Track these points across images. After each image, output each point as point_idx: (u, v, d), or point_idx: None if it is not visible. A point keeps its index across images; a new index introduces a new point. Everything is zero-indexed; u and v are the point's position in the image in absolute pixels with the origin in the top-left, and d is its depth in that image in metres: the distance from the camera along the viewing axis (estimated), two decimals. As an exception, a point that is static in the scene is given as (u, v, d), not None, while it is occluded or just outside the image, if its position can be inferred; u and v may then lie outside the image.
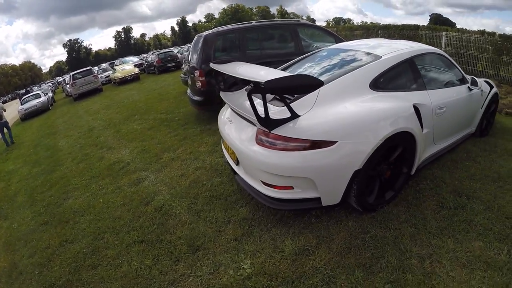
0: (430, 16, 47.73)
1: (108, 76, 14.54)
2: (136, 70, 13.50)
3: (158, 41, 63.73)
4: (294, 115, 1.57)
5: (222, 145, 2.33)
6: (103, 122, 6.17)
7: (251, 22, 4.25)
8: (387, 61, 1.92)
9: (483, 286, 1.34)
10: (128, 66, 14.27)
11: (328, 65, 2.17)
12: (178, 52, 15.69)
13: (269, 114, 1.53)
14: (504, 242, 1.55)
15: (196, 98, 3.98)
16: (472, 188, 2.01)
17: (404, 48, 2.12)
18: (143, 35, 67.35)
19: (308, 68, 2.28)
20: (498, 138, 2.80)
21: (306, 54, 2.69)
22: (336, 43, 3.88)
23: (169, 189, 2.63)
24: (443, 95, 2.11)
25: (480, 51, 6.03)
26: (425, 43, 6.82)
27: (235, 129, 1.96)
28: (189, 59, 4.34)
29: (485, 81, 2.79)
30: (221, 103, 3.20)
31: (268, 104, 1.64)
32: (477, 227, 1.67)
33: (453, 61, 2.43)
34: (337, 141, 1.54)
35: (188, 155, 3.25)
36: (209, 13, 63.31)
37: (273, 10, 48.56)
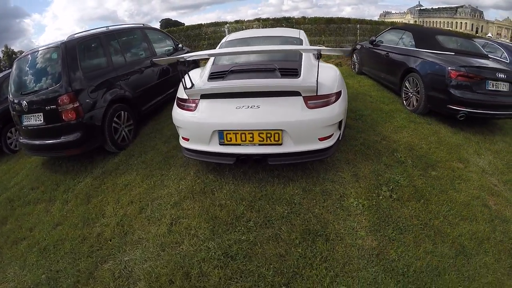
0: (160, 22, 45.73)
1: None
2: None
3: None
4: (317, 80, 2.01)
5: (225, 145, 2.05)
6: None
7: (108, 27, 3.41)
8: (304, 39, 2.91)
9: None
10: None
11: (282, 43, 2.72)
12: None
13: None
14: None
15: (64, 139, 2.50)
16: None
17: (294, 30, 3.22)
18: None
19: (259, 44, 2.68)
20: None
21: (230, 38, 2.95)
22: (174, 44, 4.48)
23: (190, 240, 1.75)
24: None
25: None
26: (210, 36, 9.15)
27: (272, 110, 1.94)
28: (18, 92, 2.73)
29: None
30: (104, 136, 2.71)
31: (278, 80, 2.01)
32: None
33: None
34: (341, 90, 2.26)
35: (134, 206, 2.14)
36: None
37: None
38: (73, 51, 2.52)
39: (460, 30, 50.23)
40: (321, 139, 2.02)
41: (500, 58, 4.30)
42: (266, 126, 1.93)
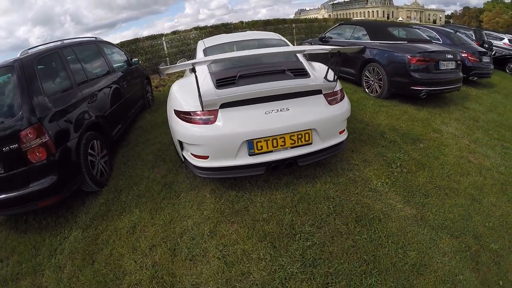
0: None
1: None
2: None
3: None
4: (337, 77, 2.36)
5: (258, 153, 2.13)
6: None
7: (62, 41, 3.07)
8: (286, 40, 3.32)
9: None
10: None
11: (267, 46, 3.00)
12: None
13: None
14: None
15: (34, 187, 2.10)
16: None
17: (269, 33, 3.66)
18: None
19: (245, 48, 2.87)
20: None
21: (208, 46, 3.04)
22: (127, 58, 4.52)
23: (257, 265, 1.80)
24: None
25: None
26: (147, 51, 9.43)
27: (301, 111, 2.15)
28: None
29: None
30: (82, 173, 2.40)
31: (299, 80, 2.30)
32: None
33: None
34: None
35: (161, 249, 1.97)
36: None
37: None
38: (31, 70, 2.16)
39: (373, 18, 62.26)
40: (340, 133, 2.40)
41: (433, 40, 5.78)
42: (298, 128, 2.12)
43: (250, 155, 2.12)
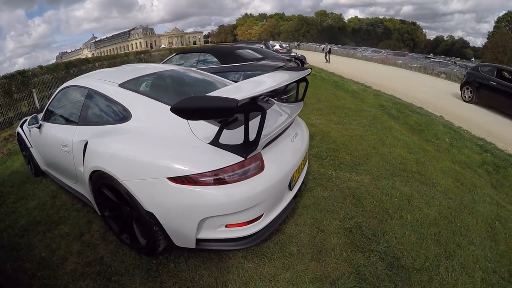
0: None
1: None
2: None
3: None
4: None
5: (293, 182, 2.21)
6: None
7: None
8: None
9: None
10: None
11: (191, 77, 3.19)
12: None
13: None
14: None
15: None
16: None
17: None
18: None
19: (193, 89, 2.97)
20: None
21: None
22: None
23: None
24: None
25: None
26: None
27: (301, 131, 2.48)
28: None
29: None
30: None
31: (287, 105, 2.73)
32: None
33: None
34: None
35: None
36: None
37: None
38: None
39: (137, 49, 68.41)
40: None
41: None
42: (307, 148, 2.45)
43: (290, 189, 2.17)
